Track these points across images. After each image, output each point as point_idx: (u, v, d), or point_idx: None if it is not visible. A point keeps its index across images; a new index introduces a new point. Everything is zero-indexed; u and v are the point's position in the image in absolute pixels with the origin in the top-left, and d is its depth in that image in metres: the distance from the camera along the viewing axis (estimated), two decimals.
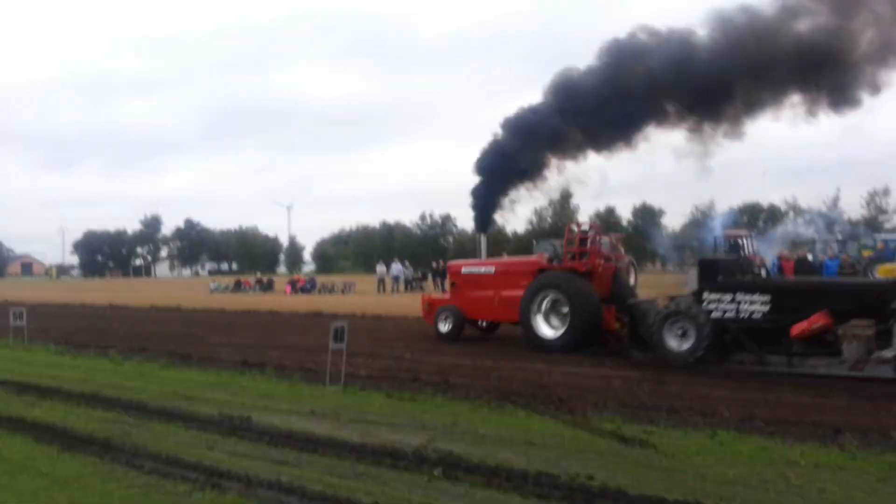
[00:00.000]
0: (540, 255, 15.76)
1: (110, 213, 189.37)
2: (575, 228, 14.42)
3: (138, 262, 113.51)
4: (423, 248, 76.18)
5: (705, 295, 11.29)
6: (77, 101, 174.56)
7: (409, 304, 23.29)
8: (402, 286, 37.72)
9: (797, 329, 10.26)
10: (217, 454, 6.53)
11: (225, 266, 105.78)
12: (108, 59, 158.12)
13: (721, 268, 12.02)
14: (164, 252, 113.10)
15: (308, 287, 38.14)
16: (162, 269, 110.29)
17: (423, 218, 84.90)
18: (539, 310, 13.46)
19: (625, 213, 71.44)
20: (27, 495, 5.53)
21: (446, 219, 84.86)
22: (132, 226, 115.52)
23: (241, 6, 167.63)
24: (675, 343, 11.27)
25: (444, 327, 15.28)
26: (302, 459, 6.34)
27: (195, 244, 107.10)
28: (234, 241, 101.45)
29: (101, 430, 7.44)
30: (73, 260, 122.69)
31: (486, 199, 17.28)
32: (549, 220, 67.50)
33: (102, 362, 13.01)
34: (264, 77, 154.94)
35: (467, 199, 17.31)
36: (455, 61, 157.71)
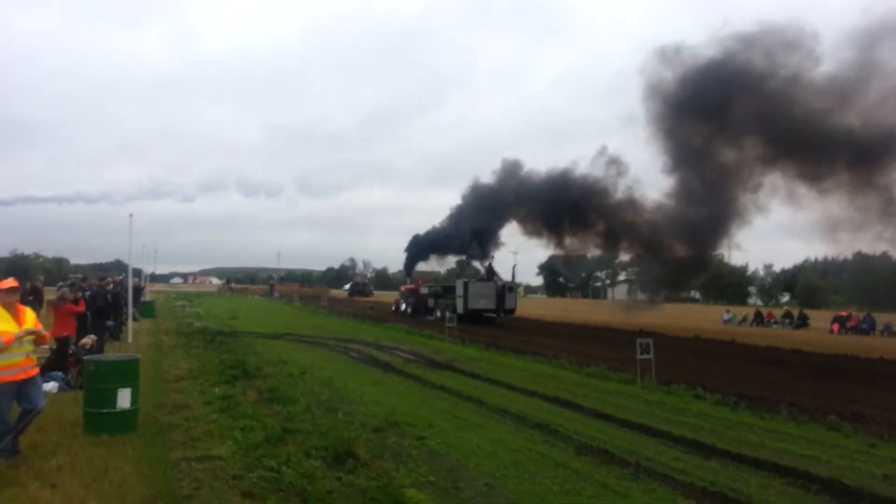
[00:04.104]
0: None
1: None
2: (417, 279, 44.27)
3: (597, 284, 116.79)
4: None
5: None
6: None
7: None
8: None
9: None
10: None
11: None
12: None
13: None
14: (621, 276, 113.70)
15: (865, 327, 30.01)
16: (619, 292, 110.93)
17: None
18: (406, 302, 38.00)
19: None
20: None
21: None
22: (592, 251, 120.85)
23: None
24: (406, 307, 37.80)
25: (392, 308, 39.49)
26: None
27: (651, 269, 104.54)
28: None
29: None
30: (538, 280, 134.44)
31: (411, 260, 44.35)
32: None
33: (786, 423, 8.82)
34: None
35: None
36: None
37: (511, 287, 33.23)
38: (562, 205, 34.68)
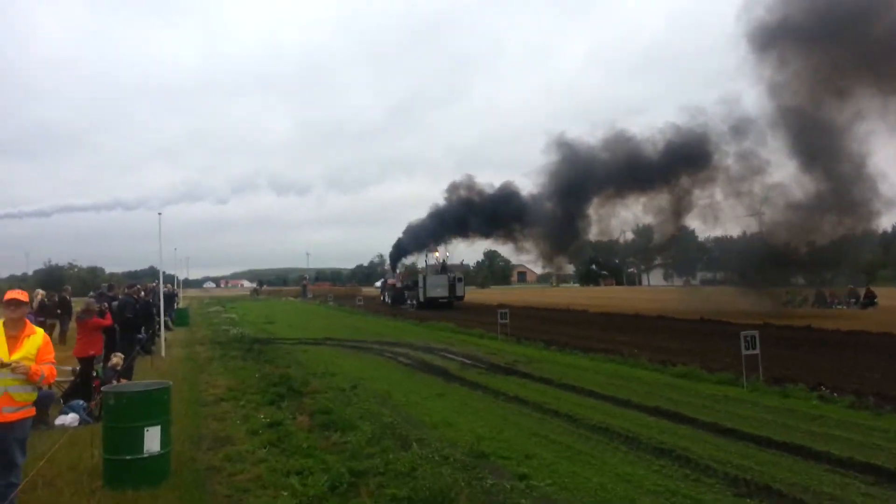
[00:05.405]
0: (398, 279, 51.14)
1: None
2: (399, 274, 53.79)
3: (630, 270, 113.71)
4: None
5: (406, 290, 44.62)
6: None
7: None
8: None
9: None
10: None
11: (715, 276, 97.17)
12: None
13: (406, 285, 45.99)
14: (657, 260, 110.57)
15: None
16: (655, 277, 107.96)
17: None
18: (388, 294, 48.24)
19: None
20: None
21: None
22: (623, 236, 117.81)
23: None
24: (387, 298, 48.13)
25: (381, 299, 49.92)
26: None
27: (688, 252, 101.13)
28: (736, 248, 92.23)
29: None
30: (568, 269, 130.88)
31: (397, 254, 55.38)
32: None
33: None
34: None
35: None
36: None
37: (460, 278, 41.63)
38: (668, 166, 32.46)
